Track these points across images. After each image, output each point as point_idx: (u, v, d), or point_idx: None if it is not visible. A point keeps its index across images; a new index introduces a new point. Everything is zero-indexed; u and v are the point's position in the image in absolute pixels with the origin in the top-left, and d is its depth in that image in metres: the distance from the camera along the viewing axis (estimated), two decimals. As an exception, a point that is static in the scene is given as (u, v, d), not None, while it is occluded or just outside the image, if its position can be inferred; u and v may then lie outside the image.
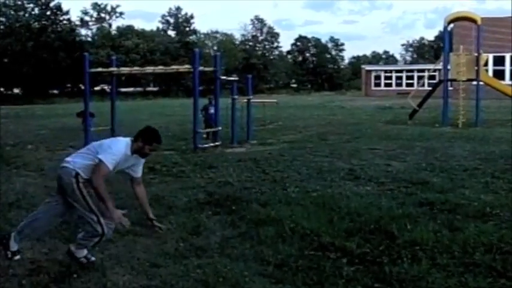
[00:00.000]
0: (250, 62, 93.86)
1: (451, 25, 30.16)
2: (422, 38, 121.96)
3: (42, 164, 12.86)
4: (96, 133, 17.36)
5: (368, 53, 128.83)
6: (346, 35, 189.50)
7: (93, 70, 17.90)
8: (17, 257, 5.68)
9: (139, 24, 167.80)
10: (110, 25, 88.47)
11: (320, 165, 12.05)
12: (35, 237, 6.12)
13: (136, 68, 26.23)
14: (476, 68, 24.16)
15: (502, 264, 5.40)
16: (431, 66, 46.66)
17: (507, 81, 44.54)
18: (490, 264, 5.40)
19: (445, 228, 6.63)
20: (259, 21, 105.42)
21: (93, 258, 5.68)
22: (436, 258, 5.61)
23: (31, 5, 71.70)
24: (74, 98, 52.26)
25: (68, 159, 5.80)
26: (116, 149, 5.69)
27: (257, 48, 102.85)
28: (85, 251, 5.63)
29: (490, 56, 45.40)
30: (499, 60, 49.60)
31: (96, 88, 63.34)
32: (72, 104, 28.71)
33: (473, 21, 25.51)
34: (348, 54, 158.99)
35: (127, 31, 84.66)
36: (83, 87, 19.21)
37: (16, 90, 71.40)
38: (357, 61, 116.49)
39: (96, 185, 5.48)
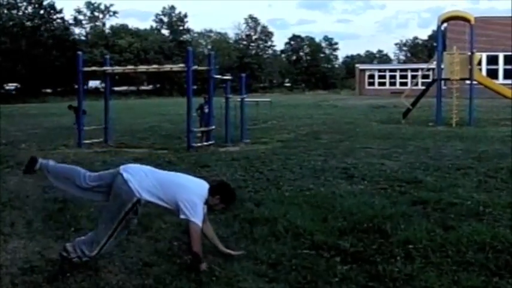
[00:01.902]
0: (244, 61, 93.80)
1: (445, 24, 30.25)
2: (416, 38, 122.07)
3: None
4: (89, 132, 17.36)
5: (362, 52, 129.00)
6: (340, 34, 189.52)
7: (86, 69, 17.86)
8: None
9: (133, 23, 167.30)
10: (104, 24, 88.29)
11: (314, 164, 12.06)
12: None
13: (130, 66, 26.16)
14: (469, 67, 24.21)
15: (495, 262, 5.41)
16: (424, 66, 46.69)
17: (500, 80, 44.62)
18: (483, 263, 5.41)
19: (439, 227, 6.64)
20: (253, 21, 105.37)
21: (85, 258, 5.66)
22: (430, 257, 5.62)
23: (24, 4, 71.53)
24: (68, 97, 52.10)
25: (132, 173, 5.51)
26: (199, 204, 5.44)
27: (251, 48, 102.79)
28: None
29: (484, 55, 45.48)
30: (492, 60, 49.70)
31: (90, 85, 63.72)
32: (66, 103, 28.59)
33: (467, 20, 25.56)
34: (342, 53, 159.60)
35: (121, 30, 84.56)
36: (76, 86, 19.22)
37: (11, 87, 71.13)
38: (351, 60, 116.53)
39: (196, 250, 5.34)
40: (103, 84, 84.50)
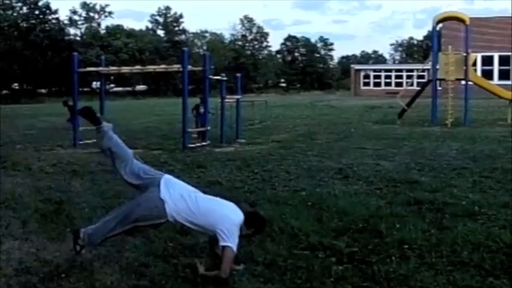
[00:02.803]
0: (240, 62, 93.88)
1: (440, 25, 30.21)
2: (411, 38, 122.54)
3: (30, 164, 12.79)
4: (84, 132, 17.33)
5: (357, 52, 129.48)
6: (335, 34, 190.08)
7: (81, 70, 17.84)
8: None
9: (128, 24, 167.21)
10: (99, 24, 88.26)
11: (309, 165, 12.07)
12: None
13: (125, 67, 26.15)
14: (464, 67, 24.24)
15: (490, 262, 5.42)
16: (420, 66, 46.95)
17: (495, 81, 44.71)
18: (478, 263, 5.42)
19: (434, 227, 6.65)
20: (248, 21, 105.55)
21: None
22: (425, 257, 5.63)
23: (19, 4, 71.50)
24: (63, 98, 51.94)
25: (171, 193, 5.32)
26: (236, 232, 5.26)
27: (246, 48, 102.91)
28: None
29: (479, 56, 45.52)
30: (488, 60, 49.81)
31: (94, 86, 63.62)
32: (61, 104, 28.54)
33: (462, 21, 25.58)
34: (337, 53, 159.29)
35: (116, 30, 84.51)
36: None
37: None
38: (346, 61, 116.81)
39: (225, 276, 5.13)
40: (110, 85, 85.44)
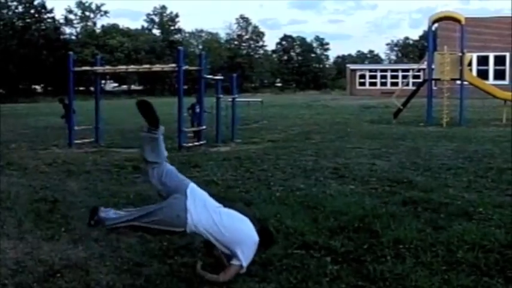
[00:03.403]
0: (235, 61, 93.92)
1: (436, 25, 30.29)
2: (406, 38, 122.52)
3: (25, 163, 12.77)
4: (80, 132, 17.31)
5: (353, 52, 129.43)
6: (331, 34, 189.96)
7: (77, 69, 17.81)
8: None
9: (124, 23, 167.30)
10: (95, 24, 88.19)
11: (304, 164, 12.07)
12: None
13: (120, 66, 26.09)
14: (460, 67, 24.29)
15: (484, 262, 5.43)
16: (415, 66, 46.89)
17: (491, 81, 44.81)
18: (473, 262, 5.43)
19: (429, 227, 6.66)
20: (244, 21, 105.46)
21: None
22: (420, 257, 5.63)
23: (15, 3, 71.30)
24: (58, 97, 51.92)
25: (196, 204, 5.17)
26: (255, 250, 5.24)
27: (242, 48, 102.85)
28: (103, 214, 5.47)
29: (474, 56, 45.63)
30: (483, 60, 49.92)
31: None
32: (56, 103, 28.46)
33: (458, 21, 25.64)
34: (333, 53, 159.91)
35: (112, 30, 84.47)
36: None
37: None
38: (342, 60, 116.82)
39: (223, 281, 5.11)
40: (115, 84, 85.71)
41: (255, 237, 5.23)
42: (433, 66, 24.83)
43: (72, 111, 17.82)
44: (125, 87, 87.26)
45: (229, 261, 5.18)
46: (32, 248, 6.19)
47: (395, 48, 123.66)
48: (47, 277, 5.29)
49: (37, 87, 75.43)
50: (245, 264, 5.12)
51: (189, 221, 5.09)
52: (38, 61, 65.65)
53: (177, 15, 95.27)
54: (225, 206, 5.44)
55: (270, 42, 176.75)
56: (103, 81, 76.97)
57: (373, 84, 69.43)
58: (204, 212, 5.16)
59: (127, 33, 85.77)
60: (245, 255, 5.12)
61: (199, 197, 5.28)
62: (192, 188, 5.31)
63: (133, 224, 5.38)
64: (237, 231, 5.18)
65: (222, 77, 18.77)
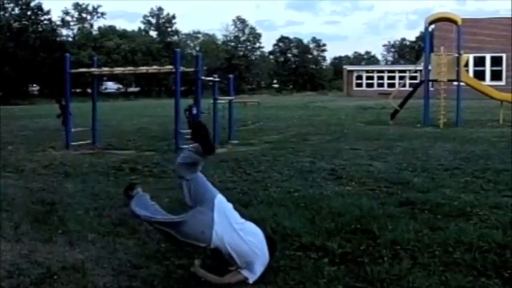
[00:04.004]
0: (232, 63, 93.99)
1: (432, 26, 30.31)
2: (403, 39, 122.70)
3: (22, 165, 12.76)
4: (76, 134, 17.28)
5: (350, 53, 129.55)
6: (328, 35, 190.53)
7: (74, 71, 17.80)
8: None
9: (120, 25, 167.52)
10: (91, 25, 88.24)
11: (301, 166, 12.07)
12: None
13: (117, 68, 26.08)
14: (456, 68, 24.33)
15: (481, 262, 5.43)
16: (412, 67, 46.86)
17: (487, 81, 44.89)
18: (470, 263, 5.43)
19: (426, 228, 6.66)
20: (241, 22, 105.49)
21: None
22: (417, 258, 5.63)
23: (11, 5, 71.23)
24: (55, 99, 51.88)
25: (220, 220, 5.14)
26: (265, 266, 5.26)
27: (239, 49, 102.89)
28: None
29: (471, 57, 45.73)
30: (480, 61, 50.02)
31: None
32: (53, 105, 28.49)
33: (454, 22, 25.68)
34: (330, 54, 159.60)
35: (108, 31, 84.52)
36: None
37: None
38: (339, 61, 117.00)
39: (223, 283, 5.11)
40: (117, 86, 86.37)
41: (267, 256, 5.28)
42: (429, 67, 24.86)
43: (68, 113, 17.80)
44: (122, 88, 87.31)
45: (238, 268, 5.18)
46: (28, 250, 6.18)
47: (392, 49, 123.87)
48: (43, 279, 5.28)
49: (34, 89, 75.38)
50: (252, 280, 5.12)
51: (213, 237, 5.08)
52: (34, 63, 65.58)
53: (173, 17, 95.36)
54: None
55: (267, 43, 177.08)
56: (107, 83, 77.69)
57: (370, 85, 69.51)
58: (229, 228, 5.15)
59: (124, 34, 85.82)
60: (256, 270, 5.15)
61: (226, 212, 5.26)
62: (219, 201, 5.29)
63: (163, 229, 5.37)
64: (257, 249, 5.20)
65: (218, 79, 18.75)
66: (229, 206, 5.39)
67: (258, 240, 5.28)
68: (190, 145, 5.48)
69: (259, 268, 5.17)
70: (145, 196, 5.64)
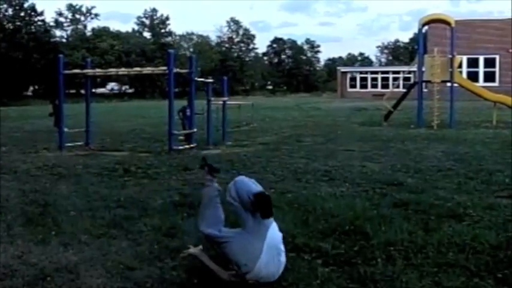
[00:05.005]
0: (226, 64, 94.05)
1: (426, 27, 30.41)
2: (397, 40, 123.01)
3: (15, 167, 12.72)
4: (70, 135, 17.25)
5: (343, 54, 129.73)
6: (321, 36, 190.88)
7: (67, 72, 17.76)
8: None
9: (114, 26, 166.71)
10: (85, 26, 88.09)
11: (295, 167, 12.07)
12: None
13: (111, 69, 26.07)
14: (450, 69, 24.38)
15: (475, 263, 5.44)
16: (406, 68, 47.06)
17: (481, 83, 45.02)
18: (464, 264, 5.44)
19: (419, 229, 6.67)
20: (235, 23, 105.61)
21: None
22: (411, 259, 5.64)
23: (4, 6, 71.06)
24: (48, 100, 51.78)
25: (271, 240, 5.07)
26: None
27: (233, 50, 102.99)
28: None
29: (464, 58, 45.83)
30: (473, 62, 50.15)
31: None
32: (46, 106, 28.46)
33: (448, 23, 25.73)
34: (324, 56, 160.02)
35: (102, 32, 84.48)
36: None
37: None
38: (333, 63, 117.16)
39: (226, 280, 5.06)
40: (117, 87, 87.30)
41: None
42: (423, 69, 24.91)
43: (61, 114, 17.75)
44: (116, 89, 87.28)
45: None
46: (22, 251, 6.16)
47: (386, 51, 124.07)
48: (37, 281, 5.26)
49: (28, 90, 75.21)
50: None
51: (256, 266, 4.95)
52: (28, 64, 65.46)
53: (167, 18, 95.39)
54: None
55: (261, 44, 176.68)
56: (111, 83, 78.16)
57: (364, 86, 69.68)
58: (275, 261, 5.06)
59: (117, 35, 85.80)
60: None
61: (276, 244, 5.14)
62: (272, 231, 5.17)
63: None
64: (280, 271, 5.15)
65: (212, 80, 18.75)
66: (280, 235, 5.29)
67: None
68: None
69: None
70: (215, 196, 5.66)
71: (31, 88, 76.15)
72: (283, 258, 5.19)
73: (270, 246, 5.04)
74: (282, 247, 5.23)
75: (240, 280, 5.02)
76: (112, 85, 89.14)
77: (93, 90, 79.50)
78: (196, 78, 17.26)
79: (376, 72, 71.88)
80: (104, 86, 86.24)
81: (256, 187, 5.47)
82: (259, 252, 4.97)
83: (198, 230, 5.47)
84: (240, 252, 4.99)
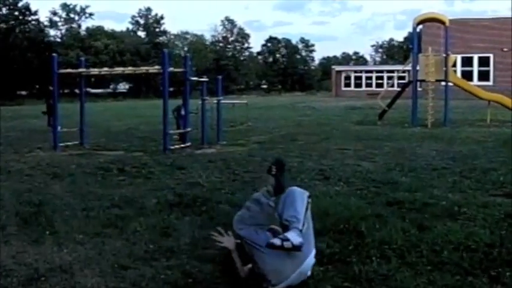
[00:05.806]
0: (221, 63, 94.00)
1: (420, 26, 30.44)
2: (391, 39, 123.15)
3: (9, 166, 12.69)
4: (64, 134, 17.21)
5: (338, 53, 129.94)
6: (316, 36, 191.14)
7: (62, 71, 17.72)
8: None
9: (109, 25, 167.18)
10: (80, 26, 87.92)
11: (290, 166, 12.04)
12: None
13: (105, 68, 25.99)
14: (444, 68, 24.42)
15: (469, 262, 5.45)
16: (400, 67, 47.10)
17: (475, 81, 45.09)
18: (458, 263, 5.44)
19: (414, 227, 6.67)
20: (229, 22, 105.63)
21: None
22: (405, 257, 5.64)
23: (-2, 5, 70.95)
24: (43, 99, 51.68)
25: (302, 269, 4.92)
26: None
27: (227, 49, 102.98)
28: None
29: (458, 57, 45.90)
30: (467, 61, 50.24)
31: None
32: (41, 106, 28.43)
33: (442, 22, 25.78)
34: (318, 55, 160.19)
35: (97, 32, 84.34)
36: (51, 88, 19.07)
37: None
38: (327, 62, 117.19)
39: (242, 276, 5.02)
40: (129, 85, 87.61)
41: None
42: (417, 68, 24.94)
43: (56, 113, 17.72)
44: (110, 89, 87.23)
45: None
46: (16, 251, 6.14)
47: (380, 50, 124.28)
48: (31, 281, 5.25)
49: (22, 90, 75.03)
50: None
51: (281, 284, 4.86)
52: (22, 63, 65.30)
53: (162, 17, 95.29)
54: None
55: (256, 44, 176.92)
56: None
57: (359, 85, 69.74)
58: (302, 276, 4.97)
59: (112, 35, 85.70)
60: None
61: (306, 272, 5.02)
62: (309, 261, 5.04)
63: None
64: None
65: (207, 79, 18.73)
66: (313, 262, 5.13)
67: None
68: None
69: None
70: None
71: (23, 89, 75.97)
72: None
73: (301, 273, 4.95)
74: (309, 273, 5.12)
75: (254, 281, 4.95)
76: (119, 85, 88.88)
77: (101, 90, 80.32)
78: (190, 78, 17.25)
79: (370, 71, 71.93)
80: (107, 86, 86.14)
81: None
82: (290, 274, 4.86)
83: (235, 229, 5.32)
84: (270, 270, 4.85)
